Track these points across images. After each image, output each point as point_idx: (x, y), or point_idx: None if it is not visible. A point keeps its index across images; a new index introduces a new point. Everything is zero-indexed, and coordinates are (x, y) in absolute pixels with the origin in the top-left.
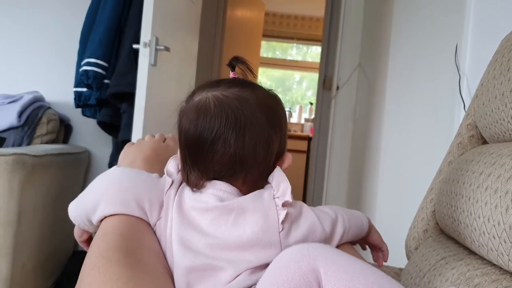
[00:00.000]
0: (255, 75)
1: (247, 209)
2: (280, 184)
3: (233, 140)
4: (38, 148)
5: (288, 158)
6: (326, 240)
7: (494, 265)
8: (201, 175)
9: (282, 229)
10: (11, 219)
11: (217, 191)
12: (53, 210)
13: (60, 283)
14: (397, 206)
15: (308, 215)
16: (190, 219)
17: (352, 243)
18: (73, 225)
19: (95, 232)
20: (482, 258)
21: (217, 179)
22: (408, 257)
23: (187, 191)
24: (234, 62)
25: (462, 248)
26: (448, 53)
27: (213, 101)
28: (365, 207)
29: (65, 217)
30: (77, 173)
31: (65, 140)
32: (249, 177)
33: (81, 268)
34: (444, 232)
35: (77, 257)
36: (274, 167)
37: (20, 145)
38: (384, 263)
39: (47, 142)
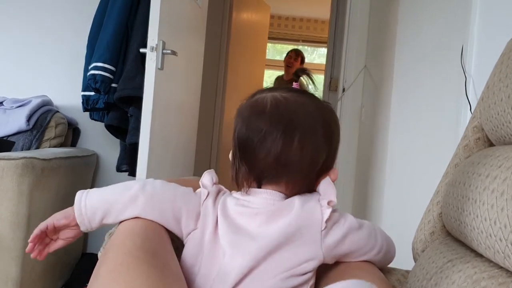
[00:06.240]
0: (316, 88)
1: (293, 209)
2: (326, 190)
3: (282, 140)
4: (47, 151)
5: (334, 174)
6: (364, 240)
7: (501, 267)
8: (248, 172)
9: (325, 227)
10: (20, 222)
11: (266, 199)
12: None
13: (69, 285)
14: (403, 208)
15: (348, 217)
16: (237, 224)
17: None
18: None
19: (87, 231)
20: (489, 260)
21: (261, 181)
22: (415, 260)
23: (229, 199)
24: (300, 73)
25: (468, 250)
26: (454, 54)
27: (271, 100)
28: (372, 209)
29: None
30: (85, 176)
31: (73, 144)
32: (291, 183)
33: (96, 265)
34: (451, 234)
35: (86, 260)
36: (317, 180)
37: (29, 148)
38: (391, 266)
39: (55, 146)
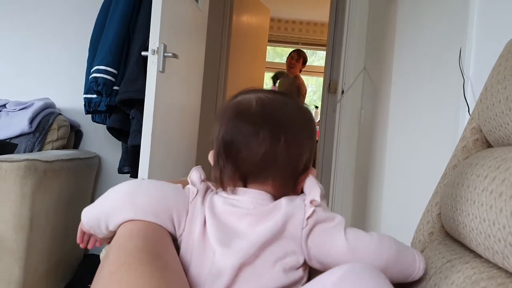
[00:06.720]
0: (302, 93)
1: (280, 209)
2: (312, 190)
3: (269, 138)
4: (49, 153)
5: (313, 172)
6: (350, 254)
7: (500, 268)
8: (234, 171)
9: (306, 225)
10: (23, 224)
11: (254, 199)
12: (65, 215)
13: (71, 287)
14: (402, 209)
15: (337, 226)
16: (227, 224)
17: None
18: None
19: (106, 238)
20: (488, 261)
21: (247, 179)
22: None
23: (216, 198)
24: (279, 76)
25: (467, 251)
26: (452, 56)
27: (256, 100)
28: (371, 210)
29: (77, 221)
30: (87, 177)
31: (76, 146)
32: (277, 181)
33: (98, 267)
34: (450, 235)
35: (88, 261)
36: (299, 178)
37: (31, 151)
38: None
39: (57, 148)
